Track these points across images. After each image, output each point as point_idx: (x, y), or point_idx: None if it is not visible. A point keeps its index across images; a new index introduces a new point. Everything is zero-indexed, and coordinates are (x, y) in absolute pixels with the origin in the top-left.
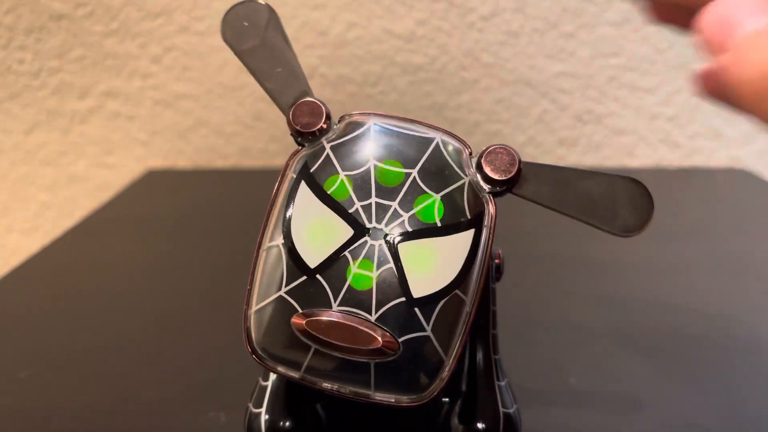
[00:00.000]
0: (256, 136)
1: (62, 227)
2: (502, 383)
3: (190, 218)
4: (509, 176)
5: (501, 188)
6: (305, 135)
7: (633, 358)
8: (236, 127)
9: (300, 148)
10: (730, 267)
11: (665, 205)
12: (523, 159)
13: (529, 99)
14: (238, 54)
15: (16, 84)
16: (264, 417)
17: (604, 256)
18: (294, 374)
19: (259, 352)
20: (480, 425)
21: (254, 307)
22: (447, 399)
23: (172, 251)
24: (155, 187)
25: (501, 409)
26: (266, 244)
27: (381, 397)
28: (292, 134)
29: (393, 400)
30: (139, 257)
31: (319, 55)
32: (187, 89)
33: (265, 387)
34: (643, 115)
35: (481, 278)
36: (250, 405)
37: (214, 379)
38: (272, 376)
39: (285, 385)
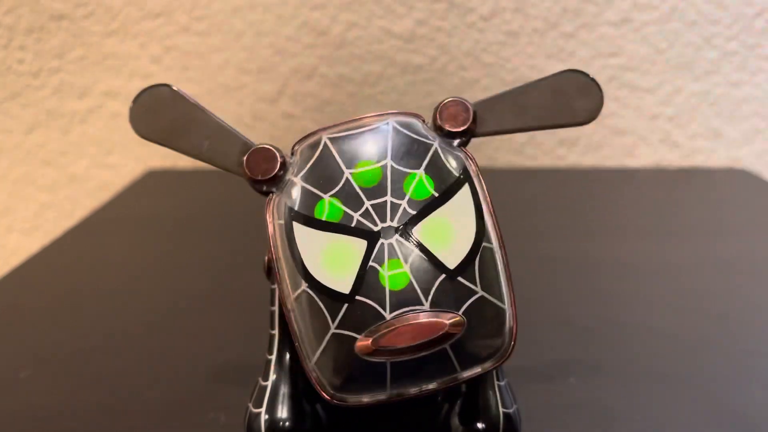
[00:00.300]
0: (256, 136)
1: (62, 227)
2: (502, 383)
3: (190, 218)
4: (468, 124)
5: (466, 137)
6: (269, 181)
7: (633, 358)
8: (236, 127)
9: (270, 195)
10: (730, 267)
11: (665, 205)
12: (487, 126)
13: None
14: (160, 142)
15: (16, 84)
16: (264, 417)
17: (604, 255)
18: (382, 397)
19: (338, 395)
20: (480, 425)
21: (313, 358)
22: (447, 399)
23: (172, 251)
24: (155, 187)
25: (501, 409)
26: (291, 297)
27: (468, 373)
28: (254, 187)
29: (480, 370)
30: (139, 257)
31: (319, 55)
32: (187, 89)
33: (265, 387)
34: (643, 115)
35: (495, 219)
36: (250, 405)
37: (214, 379)
38: (272, 376)
39: (285, 385)
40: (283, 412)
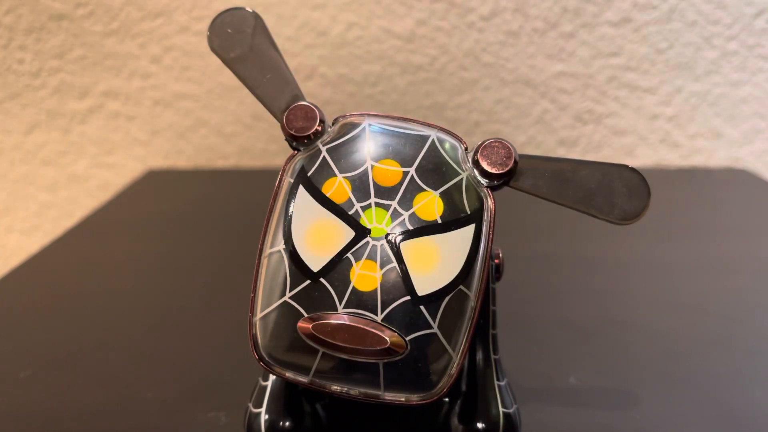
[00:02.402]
0: (256, 136)
1: (62, 227)
2: (502, 383)
3: (190, 218)
4: (506, 169)
5: (498, 182)
6: (300, 139)
7: (633, 358)
8: (236, 127)
9: (295, 152)
10: (730, 267)
11: (665, 205)
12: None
13: (529, 99)
14: (227, 62)
15: (16, 84)
16: (264, 417)
17: (605, 255)
18: (303, 379)
19: (267, 359)
20: (480, 425)
21: (259, 314)
22: (447, 399)
23: (172, 251)
24: (155, 187)
25: (501, 409)
26: (267, 250)
27: (391, 396)
28: (286, 139)
29: (403, 399)
30: (139, 257)
31: (319, 55)
32: (187, 89)
33: (265, 387)
34: (643, 115)
35: (483, 272)
36: (250, 405)
37: (214, 379)
38: (272, 376)
39: (285, 385)
40: (283, 412)
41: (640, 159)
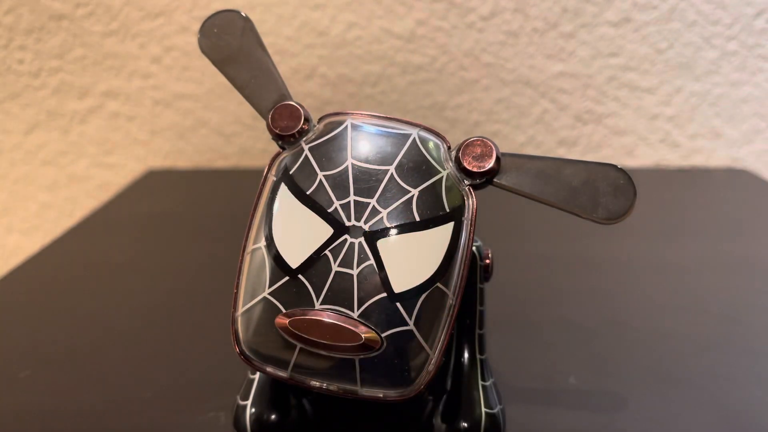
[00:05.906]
0: (256, 136)
1: (62, 227)
2: (488, 383)
3: (190, 218)
4: (488, 168)
5: (480, 180)
6: (285, 138)
7: (631, 358)
8: (236, 127)
9: (281, 151)
10: (730, 267)
11: (665, 205)
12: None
13: (529, 99)
14: (217, 64)
15: (16, 84)
16: (250, 410)
17: (603, 255)
18: (282, 374)
19: (247, 353)
20: (463, 424)
21: (240, 309)
22: (431, 398)
23: (172, 251)
24: (155, 187)
25: (484, 409)
26: (250, 247)
27: (368, 392)
28: (272, 138)
29: (381, 395)
30: (139, 257)
31: (319, 55)
32: (187, 89)
33: (252, 380)
34: (643, 115)
35: (463, 270)
36: (238, 397)
37: (214, 379)
38: None
39: (271, 379)
40: (269, 405)
41: (640, 159)
